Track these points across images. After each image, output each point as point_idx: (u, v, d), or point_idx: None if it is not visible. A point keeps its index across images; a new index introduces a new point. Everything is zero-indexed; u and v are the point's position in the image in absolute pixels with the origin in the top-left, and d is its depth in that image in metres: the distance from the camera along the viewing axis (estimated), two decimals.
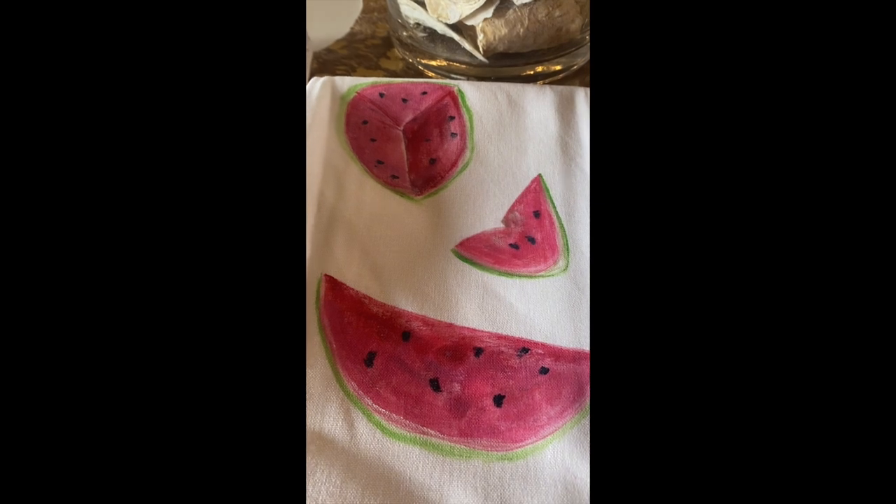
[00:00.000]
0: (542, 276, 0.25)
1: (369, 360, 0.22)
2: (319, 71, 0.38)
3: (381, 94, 0.32)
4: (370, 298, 0.24)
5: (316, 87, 0.32)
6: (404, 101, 0.31)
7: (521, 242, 0.26)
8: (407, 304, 0.24)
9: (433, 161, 0.30)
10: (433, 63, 0.36)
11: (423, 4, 0.34)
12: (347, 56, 0.40)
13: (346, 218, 0.27)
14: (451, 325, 0.24)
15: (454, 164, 0.29)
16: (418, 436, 0.21)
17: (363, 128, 0.30)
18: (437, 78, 0.35)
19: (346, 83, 0.32)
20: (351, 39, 0.41)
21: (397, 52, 0.39)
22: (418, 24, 0.36)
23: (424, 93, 0.32)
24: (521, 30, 0.32)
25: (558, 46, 0.35)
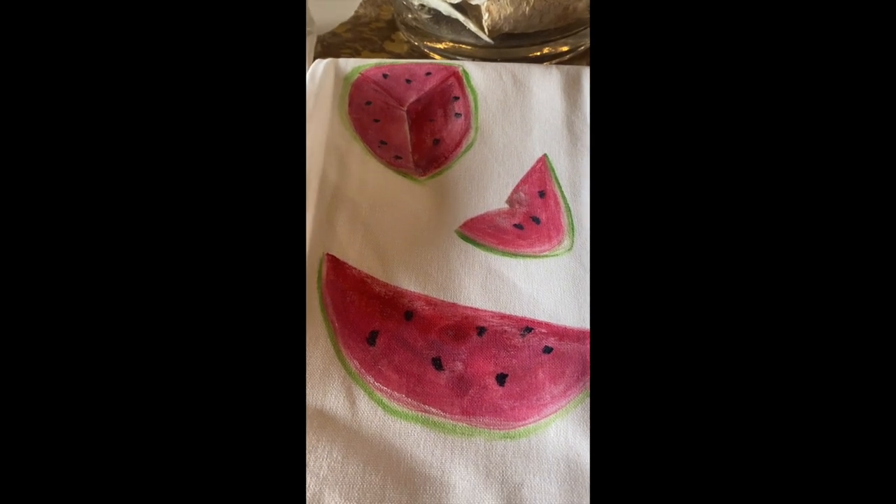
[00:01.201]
0: (546, 255, 0.25)
1: (371, 339, 0.22)
2: (323, 54, 0.38)
3: (385, 76, 0.31)
4: (373, 278, 0.24)
5: (319, 69, 0.31)
6: (408, 81, 0.31)
7: (525, 223, 0.26)
8: (409, 283, 0.24)
9: (437, 142, 0.29)
10: (438, 46, 0.36)
11: None
12: (351, 39, 0.39)
13: (348, 197, 0.27)
14: (454, 305, 0.23)
15: (458, 144, 0.29)
16: (420, 414, 0.20)
17: (366, 108, 0.30)
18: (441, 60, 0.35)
19: (350, 64, 0.32)
20: (355, 23, 0.41)
21: (402, 35, 0.39)
22: (423, 6, 0.35)
23: (429, 73, 0.31)
24: (527, 8, 0.32)
25: (565, 26, 0.34)
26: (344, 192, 0.27)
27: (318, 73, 0.31)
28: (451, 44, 0.35)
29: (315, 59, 0.34)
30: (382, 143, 0.29)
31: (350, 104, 0.30)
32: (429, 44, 0.36)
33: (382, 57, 0.38)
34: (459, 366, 0.22)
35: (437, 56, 0.36)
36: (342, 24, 0.40)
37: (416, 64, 0.32)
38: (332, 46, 0.38)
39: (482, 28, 0.33)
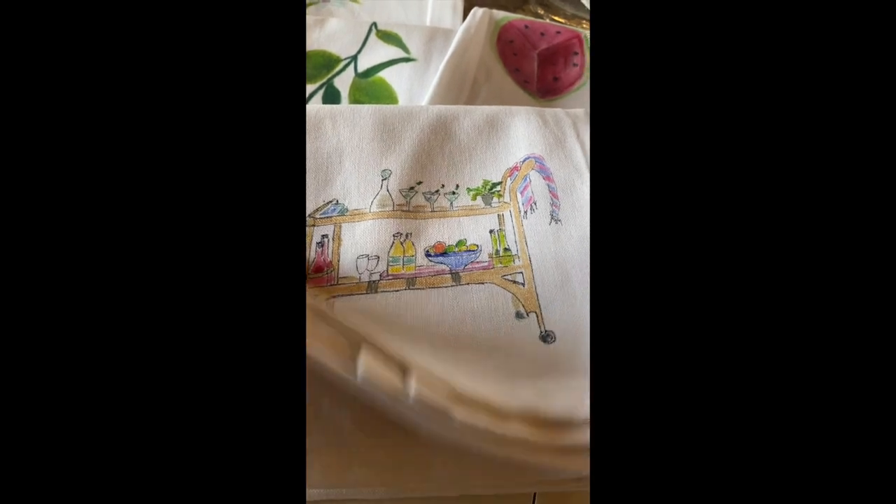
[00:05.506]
0: None
1: None
2: (467, 7, 0.49)
3: (526, 27, 0.42)
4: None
5: (479, 13, 0.42)
6: (542, 34, 0.42)
7: None
8: None
9: (556, 79, 0.40)
10: (559, 19, 0.47)
11: None
12: (491, 5, 0.50)
13: (485, 97, 0.38)
14: None
15: (572, 84, 0.40)
16: None
17: (509, 44, 0.41)
18: None
19: (501, 14, 0.43)
20: None
21: (531, 8, 0.50)
22: None
23: (558, 32, 0.42)
24: None
25: None
26: (484, 91, 0.38)
27: (478, 15, 0.42)
28: (571, 18, 0.47)
29: (468, 9, 0.45)
30: (517, 69, 0.40)
31: (498, 39, 0.41)
32: (552, 17, 0.47)
33: None
34: None
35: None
36: None
37: (551, 24, 0.43)
38: (477, 4, 0.50)
39: None
